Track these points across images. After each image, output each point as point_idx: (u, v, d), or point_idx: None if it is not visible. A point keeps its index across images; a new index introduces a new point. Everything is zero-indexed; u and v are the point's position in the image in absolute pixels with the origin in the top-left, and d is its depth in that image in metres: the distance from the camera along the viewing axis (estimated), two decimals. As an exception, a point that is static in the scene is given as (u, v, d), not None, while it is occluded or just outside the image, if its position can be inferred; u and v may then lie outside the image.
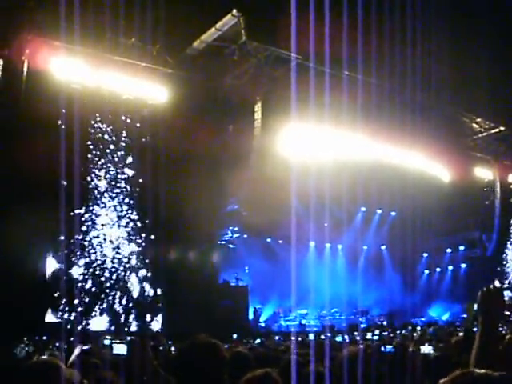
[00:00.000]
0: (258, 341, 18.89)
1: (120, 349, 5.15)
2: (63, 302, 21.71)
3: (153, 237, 24.97)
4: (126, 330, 23.18)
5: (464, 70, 29.00)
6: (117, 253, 24.28)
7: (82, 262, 23.26)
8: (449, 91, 30.37)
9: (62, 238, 21.50)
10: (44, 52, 22.62)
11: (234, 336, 21.63)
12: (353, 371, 3.89)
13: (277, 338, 22.16)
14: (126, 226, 24.76)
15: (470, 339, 6.13)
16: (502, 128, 36.01)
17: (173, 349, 13.38)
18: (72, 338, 13.88)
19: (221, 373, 3.46)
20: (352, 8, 16.62)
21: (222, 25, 24.98)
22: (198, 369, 3.41)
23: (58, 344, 16.04)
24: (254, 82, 27.76)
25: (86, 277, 23.31)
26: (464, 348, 5.98)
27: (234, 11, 24.19)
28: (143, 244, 24.91)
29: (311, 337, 19.20)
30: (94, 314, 23.25)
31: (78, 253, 23.03)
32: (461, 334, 11.43)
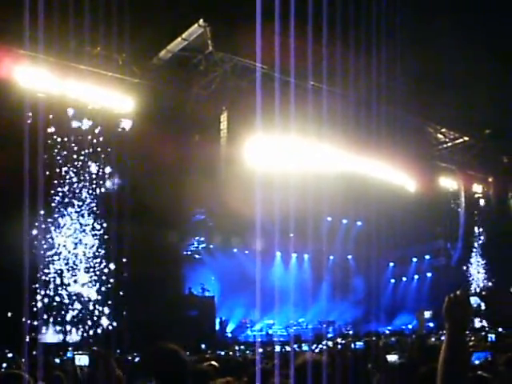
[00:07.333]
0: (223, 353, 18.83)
1: (82, 360, 5.10)
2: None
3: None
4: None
5: (429, 80, 29.34)
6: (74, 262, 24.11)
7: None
8: (414, 102, 30.68)
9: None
10: (8, 60, 22.37)
11: (203, 346, 21.52)
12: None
13: (242, 347, 22.10)
14: (88, 234, 24.57)
15: (424, 345, 6.22)
16: (466, 138, 36.51)
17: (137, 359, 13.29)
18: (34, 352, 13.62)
19: (184, 378, 3.43)
20: (317, 19, 16.71)
21: (188, 35, 24.96)
22: (160, 375, 3.38)
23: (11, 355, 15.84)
24: (220, 92, 27.79)
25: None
26: (423, 354, 6.03)
27: (201, 21, 24.20)
28: (105, 253, 24.64)
29: (277, 348, 19.18)
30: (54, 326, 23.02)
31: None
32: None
